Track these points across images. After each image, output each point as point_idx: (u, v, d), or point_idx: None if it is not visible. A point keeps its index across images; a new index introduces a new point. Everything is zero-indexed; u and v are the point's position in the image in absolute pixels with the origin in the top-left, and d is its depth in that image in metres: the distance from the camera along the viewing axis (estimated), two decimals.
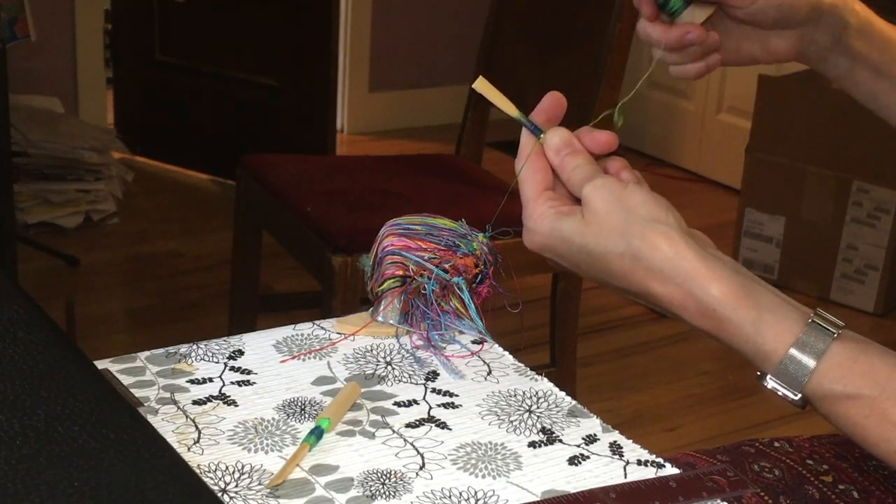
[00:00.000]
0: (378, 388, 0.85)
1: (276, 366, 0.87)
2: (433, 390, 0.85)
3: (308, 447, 0.75)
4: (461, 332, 0.92)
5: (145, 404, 0.80)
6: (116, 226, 3.29)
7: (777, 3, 0.97)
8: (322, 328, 0.94)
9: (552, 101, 0.87)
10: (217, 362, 0.87)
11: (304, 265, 2.09)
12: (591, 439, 0.80)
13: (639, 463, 0.77)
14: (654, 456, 0.78)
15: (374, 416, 0.81)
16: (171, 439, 0.76)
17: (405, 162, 2.41)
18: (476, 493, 0.73)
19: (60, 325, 0.79)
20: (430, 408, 0.83)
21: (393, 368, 0.88)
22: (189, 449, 0.76)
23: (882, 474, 0.96)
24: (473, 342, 0.92)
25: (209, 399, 0.82)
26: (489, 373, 0.88)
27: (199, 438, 0.77)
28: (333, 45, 3.37)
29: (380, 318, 0.92)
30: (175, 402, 0.81)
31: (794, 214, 3.11)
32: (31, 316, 0.77)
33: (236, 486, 0.72)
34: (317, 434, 0.76)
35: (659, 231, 0.79)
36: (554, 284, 2.16)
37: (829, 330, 0.76)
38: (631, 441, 0.80)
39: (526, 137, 0.86)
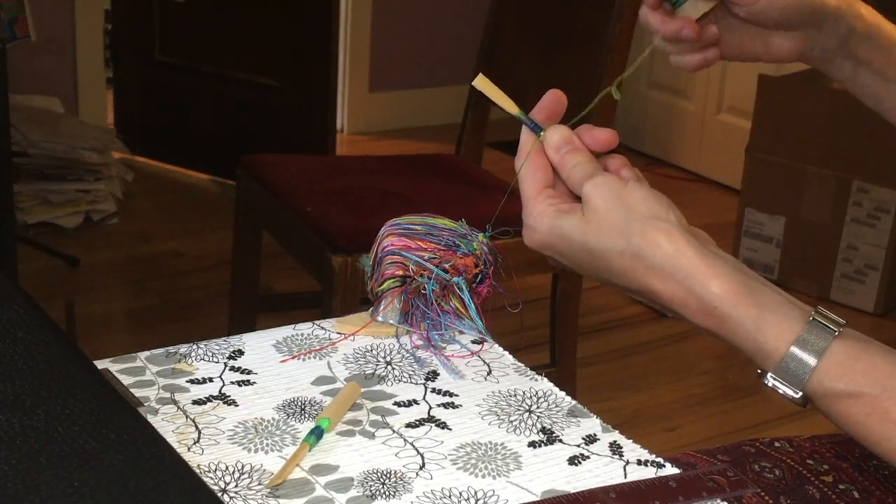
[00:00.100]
0: (378, 388, 0.85)
1: (276, 366, 0.87)
2: (433, 390, 0.85)
3: (308, 447, 0.75)
4: (461, 332, 0.92)
5: (145, 404, 0.80)
6: (116, 226, 3.29)
7: (780, 5, 0.97)
8: (322, 328, 0.94)
9: (552, 99, 0.87)
10: (217, 362, 0.87)
11: (304, 265, 2.09)
12: (591, 439, 0.80)
13: (639, 463, 0.77)
14: (654, 456, 0.78)
15: (374, 416, 0.81)
16: (171, 439, 0.76)
17: (405, 162, 2.41)
18: (476, 493, 0.73)
19: (60, 325, 0.79)
20: (430, 408, 0.83)
21: (393, 368, 0.88)
22: (189, 449, 0.75)
23: (882, 474, 0.96)
24: (473, 342, 0.92)
25: (209, 399, 0.82)
26: (489, 373, 0.88)
27: (199, 438, 0.77)
28: (333, 45, 3.37)
29: (380, 318, 0.92)
30: (175, 402, 0.81)
31: (794, 214, 3.11)
32: (31, 316, 0.77)
33: (236, 486, 0.72)
34: (317, 434, 0.76)
35: (659, 228, 0.78)
36: (554, 284, 2.16)
37: (830, 328, 0.76)
38: (631, 441, 0.80)
39: (526, 135, 0.86)
